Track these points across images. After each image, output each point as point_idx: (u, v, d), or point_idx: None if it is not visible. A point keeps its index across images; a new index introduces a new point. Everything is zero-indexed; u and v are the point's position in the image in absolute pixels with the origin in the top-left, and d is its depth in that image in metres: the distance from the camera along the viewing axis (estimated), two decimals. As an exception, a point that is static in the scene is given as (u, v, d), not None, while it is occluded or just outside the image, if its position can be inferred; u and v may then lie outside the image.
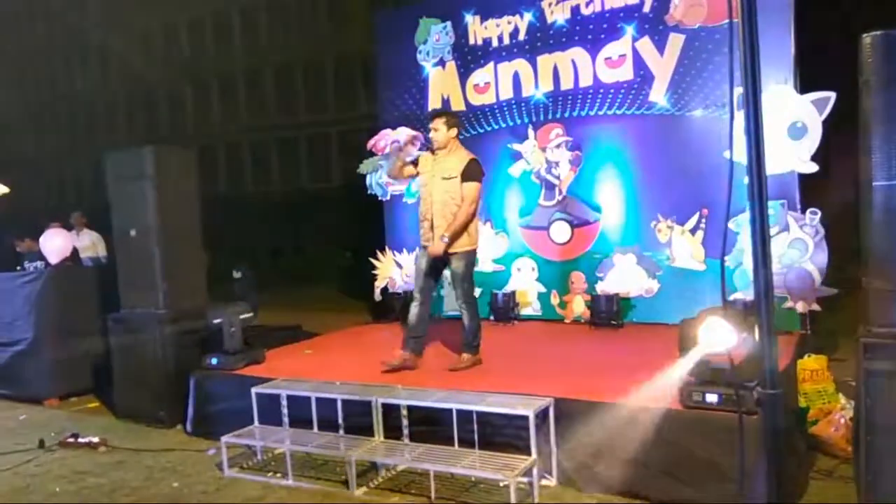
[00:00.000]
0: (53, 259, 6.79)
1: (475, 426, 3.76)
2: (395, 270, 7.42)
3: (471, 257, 4.73)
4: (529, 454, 3.54)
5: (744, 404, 2.82)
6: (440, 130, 4.63)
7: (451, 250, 4.61)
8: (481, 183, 4.65)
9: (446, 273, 4.87)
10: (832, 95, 5.07)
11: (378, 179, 7.45)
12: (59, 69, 31.15)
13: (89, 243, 8.11)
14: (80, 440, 4.88)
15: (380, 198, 7.55)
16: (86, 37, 28.49)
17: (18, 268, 7.41)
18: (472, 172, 4.57)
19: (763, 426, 1.94)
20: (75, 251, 7.60)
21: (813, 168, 5.15)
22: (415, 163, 4.84)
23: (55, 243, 6.84)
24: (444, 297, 7.10)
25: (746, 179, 2.06)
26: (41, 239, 6.93)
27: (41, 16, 29.66)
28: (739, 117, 2.09)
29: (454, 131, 4.69)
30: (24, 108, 31.05)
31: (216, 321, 5.01)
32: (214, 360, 5.01)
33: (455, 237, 4.57)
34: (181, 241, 5.46)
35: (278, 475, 4.09)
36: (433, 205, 4.64)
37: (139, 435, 5.11)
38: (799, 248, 5.19)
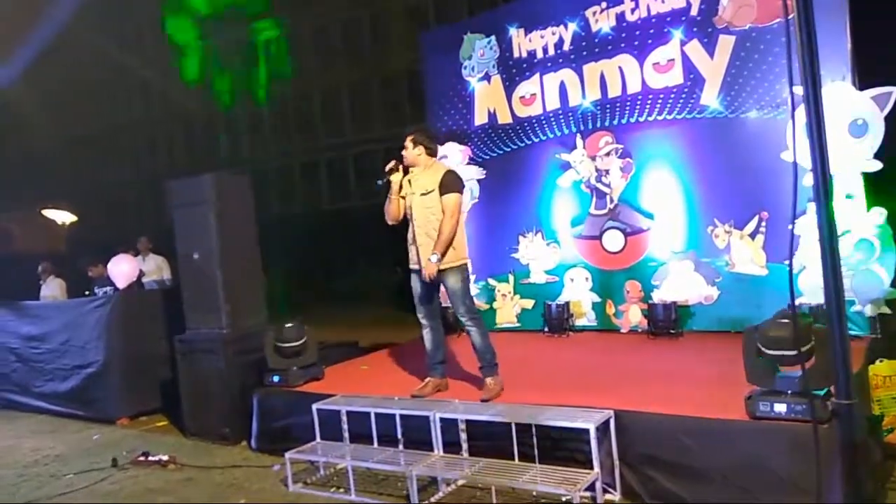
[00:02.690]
0: (121, 284, 7.08)
1: (534, 440, 3.74)
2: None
3: (464, 272, 4.51)
4: (591, 468, 3.50)
5: (816, 414, 2.73)
6: (408, 149, 4.52)
7: (441, 268, 4.41)
8: (461, 194, 4.47)
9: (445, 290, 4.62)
10: (894, 91, 4.88)
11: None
12: (120, 100, 32.54)
13: (154, 267, 8.43)
14: (150, 458, 5.06)
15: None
16: (145, 68, 29.73)
17: (87, 293, 7.77)
18: (449, 184, 4.42)
19: (838, 437, 1.88)
20: (140, 275, 7.90)
21: (877, 166, 4.97)
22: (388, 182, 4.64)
23: (122, 268, 7.14)
24: (495, 309, 7.11)
25: (808, 180, 2.02)
26: (109, 265, 7.24)
27: (102, 48, 31.09)
28: (798, 117, 2.04)
29: (420, 149, 4.52)
30: (88, 137, 32.54)
31: (299, 340, 5.15)
32: (276, 378, 5.14)
33: (444, 252, 4.39)
34: (241, 262, 5.63)
35: (341, 490, 4.15)
36: (414, 222, 4.50)
37: (206, 452, 5.26)
38: (865, 249, 4.99)
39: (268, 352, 5.15)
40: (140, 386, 6.51)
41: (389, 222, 4.68)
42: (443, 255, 4.40)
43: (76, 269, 8.59)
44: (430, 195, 4.45)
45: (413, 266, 4.61)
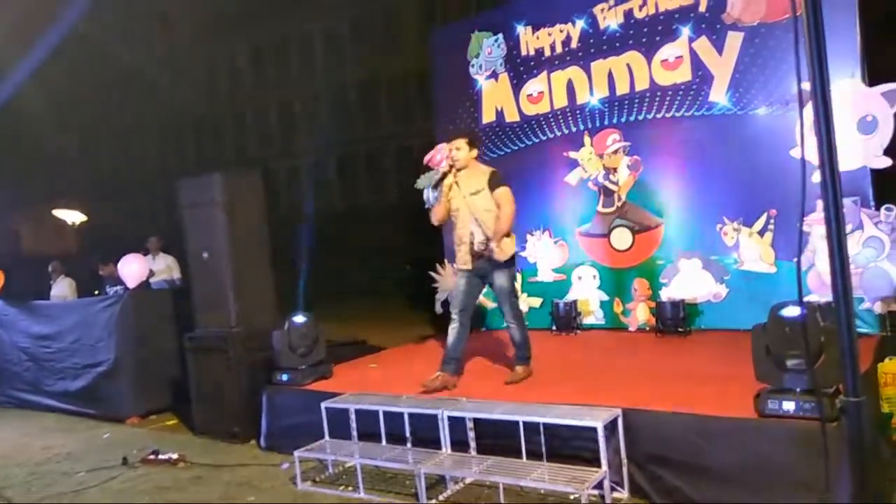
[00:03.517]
0: (131, 283, 7.13)
1: (542, 438, 3.75)
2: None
3: (513, 270, 4.78)
4: (599, 466, 3.51)
5: (824, 412, 2.73)
6: (462, 150, 4.67)
7: (497, 260, 4.57)
8: (510, 188, 4.70)
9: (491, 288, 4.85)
10: (904, 86, 4.85)
11: (436, 194, 7.51)
12: (129, 98, 32.70)
13: (164, 266, 8.47)
14: (160, 457, 5.09)
15: (438, 211, 7.59)
16: (155, 68, 29.88)
17: (97, 292, 7.82)
18: (498, 180, 4.65)
19: (846, 435, 1.88)
20: (150, 275, 7.95)
21: (886, 163, 4.94)
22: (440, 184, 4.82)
23: (132, 268, 7.18)
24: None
25: (817, 177, 2.01)
26: (119, 264, 7.29)
27: (115, 48, 31.25)
28: (807, 113, 2.03)
29: (475, 152, 4.76)
30: (98, 137, 32.74)
31: (308, 338, 5.19)
32: (285, 376, 5.15)
33: (502, 239, 4.56)
34: (251, 261, 5.65)
35: (350, 488, 4.17)
36: (473, 222, 4.64)
37: (216, 450, 5.30)
38: (874, 246, 4.97)
39: (280, 350, 5.16)
40: (150, 385, 6.55)
41: (435, 223, 4.91)
42: (500, 240, 4.54)
43: (86, 268, 8.65)
44: (481, 193, 4.60)
45: (463, 266, 4.72)
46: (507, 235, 4.63)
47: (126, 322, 6.52)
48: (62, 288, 8.68)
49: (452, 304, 4.83)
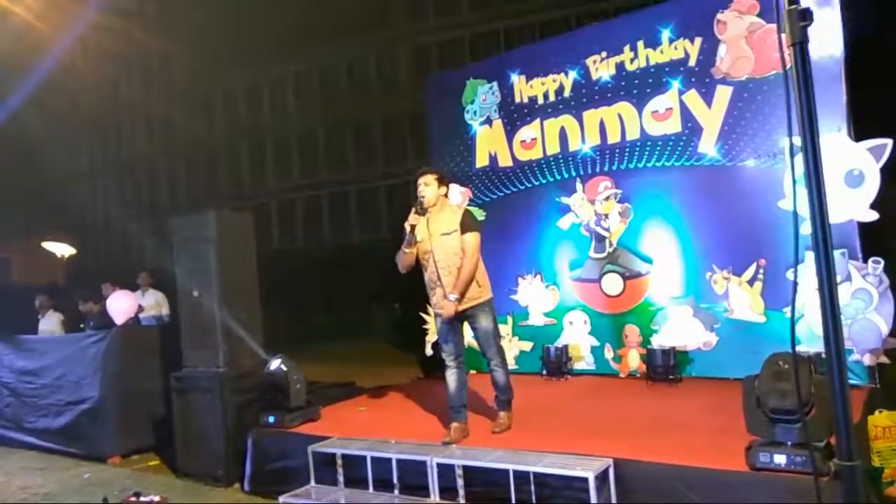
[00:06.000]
0: (119, 319, 7.06)
1: (532, 487, 3.70)
2: (447, 325, 7.44)
3: (492, 309, 4.57)
4: (590, 517, 3.46)
5: (816, 466, 2.71)
6: (431, 186, 4.46)
7: (467, 306, 4.44)
8: (480, 232, 4.52)
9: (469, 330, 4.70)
10: (889, 142, 4.95)
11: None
12: (124, 132, 32.88)
13: (154, 302, 8.41)
14: (142, 499, 4.94)
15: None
16: (151, 103, 30.13)
17: (82, 326, 7.73)
18: (470, 223, 4.46)
19: (839, 494, 1.87)
20: (138, 311, 7.87)
21: (873, 216, 5.01)
22: (412, 239, 4.50)
23: (121, 305, 7.13)
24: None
25: (805, 229, 2.03)
26: (108, 300, 7.23)
27: (107, 83, 31.52)
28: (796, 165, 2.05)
29: (444, 189, 4.56)
30: (90, 170, 32.78)
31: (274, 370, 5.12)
32: (272, 418, 5.09)
33: (464, 292, 4.40)
34: (241, 301, 5.62)
35: (335, 536, 4.08)
36: (437, 263, 4.44)
37: (198, 493, 5.19)
38: (863, 298, 5.01)
39: (290, 389, 5.07)
40: (134, 424, 6.43)
41: (402, 271, 4.62)
42: (463, 294, 4.41)
43: (74, 302, 8.57)
44: (452, 235, 4.41)
45: (438, 310, 4.57)
46: (478, 282, 4.45)
47: (112, 359, 6.43)
48: (51, 322, 8.58)
49: (443, 350, 4.62)
